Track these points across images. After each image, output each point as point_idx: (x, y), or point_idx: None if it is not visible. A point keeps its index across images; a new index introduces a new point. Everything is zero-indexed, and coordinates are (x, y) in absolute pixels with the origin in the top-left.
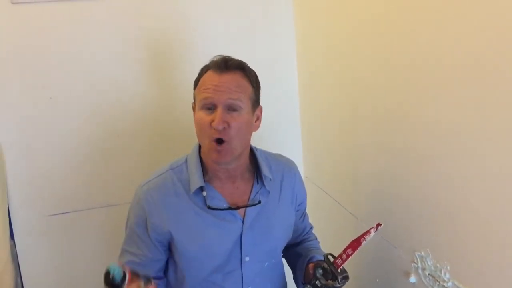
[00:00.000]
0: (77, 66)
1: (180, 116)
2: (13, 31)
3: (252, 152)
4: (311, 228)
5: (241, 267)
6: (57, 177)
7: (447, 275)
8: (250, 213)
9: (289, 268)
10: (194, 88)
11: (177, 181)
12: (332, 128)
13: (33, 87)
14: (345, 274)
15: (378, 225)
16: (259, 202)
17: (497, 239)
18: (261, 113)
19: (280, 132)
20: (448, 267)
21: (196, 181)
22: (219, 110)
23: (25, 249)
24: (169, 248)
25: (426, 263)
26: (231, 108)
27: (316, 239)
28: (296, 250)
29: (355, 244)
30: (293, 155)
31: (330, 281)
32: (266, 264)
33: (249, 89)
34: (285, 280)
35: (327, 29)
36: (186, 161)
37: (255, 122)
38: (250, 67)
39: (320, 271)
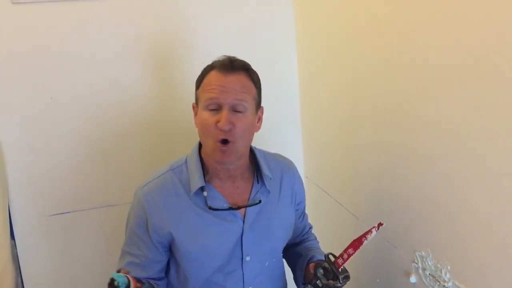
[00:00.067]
0: (77, 66)
1: (180, 116)
2: (13, 31)
3: (251, 151)
4: (311, 228)
5: (242, 267)
6: (57, 177)
7: (448, 275)
8: (250, 213)
9: (289, 268)
10: (197, 88)
11: (177, 182)
12: (332, 128)
13: (33, 87)
14: (346, 274)
15: (380, 224)
16: (260, 201)
17: (497, 239)
18: (262, 114)
19: (280, 132)
20: (449, 267)
21: (197, 181)
22: (225, 111)
23: (25, 249)
24: (170, 249)
25: (426, 263)
26: (236, 109)
27: (316, 239)
28: (296, 250)
29: (357, 243)
30: (293, 155)
31: (331, 281)
32: (266, 264)
33: (253, 90)
34: (285, 279)
35: (327, 29)
36: (186, 161)
37: (257, 123)
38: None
39: (321, 270)
